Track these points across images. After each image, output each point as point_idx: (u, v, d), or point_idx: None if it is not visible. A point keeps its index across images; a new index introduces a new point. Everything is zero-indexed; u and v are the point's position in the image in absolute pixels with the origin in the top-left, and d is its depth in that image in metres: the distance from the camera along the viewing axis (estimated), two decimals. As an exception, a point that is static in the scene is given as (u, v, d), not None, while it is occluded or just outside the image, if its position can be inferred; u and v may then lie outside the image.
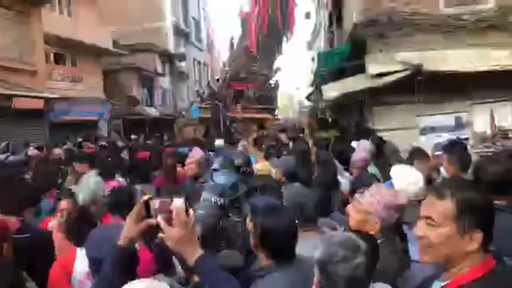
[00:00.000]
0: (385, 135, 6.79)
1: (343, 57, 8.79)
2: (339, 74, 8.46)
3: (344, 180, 4.36)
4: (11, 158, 9.18)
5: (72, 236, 2.72)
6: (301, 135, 13.58)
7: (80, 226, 2.58)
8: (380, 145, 5.79)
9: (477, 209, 1.31)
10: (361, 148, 4.75)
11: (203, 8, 37.97)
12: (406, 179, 3.07)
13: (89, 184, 4.44)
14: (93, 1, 19.29)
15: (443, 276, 1.39)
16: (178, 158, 6.49)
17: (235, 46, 23.00)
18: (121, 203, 3.23)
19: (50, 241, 3.01)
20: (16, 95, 12.16)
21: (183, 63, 30.43)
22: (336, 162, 5.03)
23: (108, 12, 22.09)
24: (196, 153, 4.91)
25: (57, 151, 10.78)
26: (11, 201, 3.27)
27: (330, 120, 12.79)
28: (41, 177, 5.29)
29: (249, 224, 2.71)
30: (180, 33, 30.32)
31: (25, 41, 13.69)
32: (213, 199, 2.82)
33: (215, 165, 4.12)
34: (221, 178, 3.38)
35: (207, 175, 4.10)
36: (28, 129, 13.21)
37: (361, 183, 3.14)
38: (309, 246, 2.36)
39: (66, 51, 17.61)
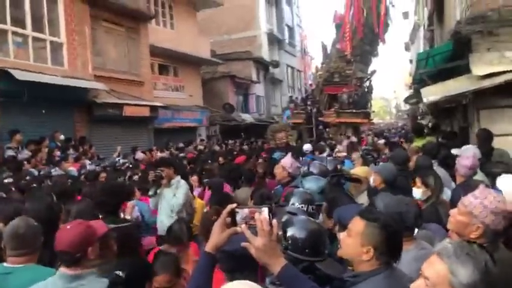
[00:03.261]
0: (493, 142, 6.23)
1: (444, 58, 8.24)
2: (440, 76, 7.94)
3: (448, 190, 4.11)
4: (121, 160, 10.15)
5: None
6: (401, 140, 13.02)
7: None
8: (489, 152, 5.34)
9: None
10: (467, 155, 4.41)
11: (297, 15, 38.21)
12: None
13: (182, 188, 4.79)
14: (192, 14, 20.45)
15: None
16: (272, 163, 6.66)
17: (328, 51, 22.80)
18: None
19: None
20: (127, 104, 13.32)
21: (276, 70, 30.88)
22: (442, 170, 4.75)
23: (206, 23, 23.32)
24: (286, 159, 4.99)
25: (160, 155, 11.68)
26: (111, 201, 3.62)
27: (429, 125, 12.05)
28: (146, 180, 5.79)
29: (340, 234, 2.68)
30: (274, 41, 30.83)
31: (134, 55, 14.94)
32: (298, 205, 2.82)
33: (311, 170, 4.17)
34: (310, 183, 3.40)
35: (297, 180, 4.14)
36: (135, 135, 14.37)
37: (462, 192, 2.93)
38: (408, 258, 2.23)
39: (169, 62, 18.83)
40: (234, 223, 1.60)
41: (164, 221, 4.58)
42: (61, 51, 11.54)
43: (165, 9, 18.56)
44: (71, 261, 2.30)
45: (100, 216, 3.38)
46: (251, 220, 1.56)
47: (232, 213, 1.61)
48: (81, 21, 12.08)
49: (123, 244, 2.93)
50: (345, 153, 8.59)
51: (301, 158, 7.56)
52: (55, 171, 7.58)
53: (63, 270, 2.31)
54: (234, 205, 1.65)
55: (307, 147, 9.71)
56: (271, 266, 1.57)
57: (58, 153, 9.15)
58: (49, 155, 8.85)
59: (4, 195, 5.11)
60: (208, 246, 1.65)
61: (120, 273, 2.12)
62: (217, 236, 1.63)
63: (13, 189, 5.54)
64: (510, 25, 6.89)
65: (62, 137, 10.39)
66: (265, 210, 1.56)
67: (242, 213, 1.60)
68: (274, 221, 1.58)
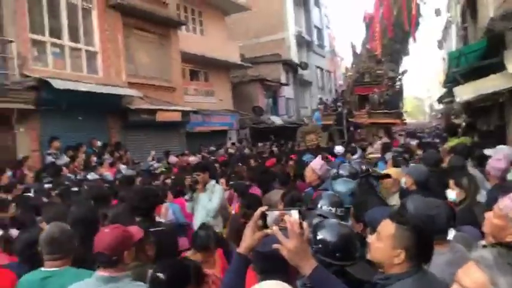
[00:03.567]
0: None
1: (477, 56, 8.02)
2: (473, 74, 7.73)
3: (484, 191, 4.02)
4: (155, 164, 10.40)
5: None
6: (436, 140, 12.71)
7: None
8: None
9: None
10: (497, 156, 4.29)
11: (325, 16, 37.96)
12: None
13: (217, 193, 4.86)
14: (221, 19, 20.71)
15: None
16: (302, 165, 6.67)
17: (358, 51, 22.54)
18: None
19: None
20: (160, 109, 13.61)
21: (306, 72, 30.78)
22: (477, 171, 4.65)
23: (235, 28, 23.53)
24: (316, 162, 4.98)
25: (192, 158, 11.90)
26: (144, 205, 3.72)
27: (463, 124, 11.73)
28: (179, 183, 5.94)
29: (370, 237, 2.66)
30: (303, 42, 30.73)
31: (165, 61, 15.24)
32: (328, 208, 2.83)
33: (341, 172, 4.15)
34: (341, 186, 3.39)
35: (327, 182, 4.14)
36: (168, 139, 14.63)
37: (498, 195, 2.87)
38: (442, 262, 2.21)
39: (200, 67, 19.11)
40: (265, 225, 1.64)
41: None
42: (96, 60, 11.94)
43: (194, 15, 18.88)
44: (108, 263, 2.43)
45: (136, 220, 3.50)
46: (281, 222, 1.60)
47: (263, 216, 1.65)
48: (114, 30, 12.47)
49: (160, 247, 3.03)
50: (378, 155, 8.49)
51: (334, 159, 7.52)
52: (91, 176, 7.86)
53: (100, 272, 2.45)
54: (265, 208, 1.69)
55: (339, 149, 9.64)
56: (303, 268, 1.59)
57: (94, 158, 9.47)
58: (86, 161, 9.18)
59: (46, 200, 5.37)
60: (241, 248, 1.69)
61: (160, 274, 2.20)
62: (249, 237, 1.67)
63: (53, 193, 5.79)
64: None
65: (99, 143, 10.74)
66: (295, 212, 1.60)
67: (272, 215, 1.63)
68: (305, 223, 1.61)
